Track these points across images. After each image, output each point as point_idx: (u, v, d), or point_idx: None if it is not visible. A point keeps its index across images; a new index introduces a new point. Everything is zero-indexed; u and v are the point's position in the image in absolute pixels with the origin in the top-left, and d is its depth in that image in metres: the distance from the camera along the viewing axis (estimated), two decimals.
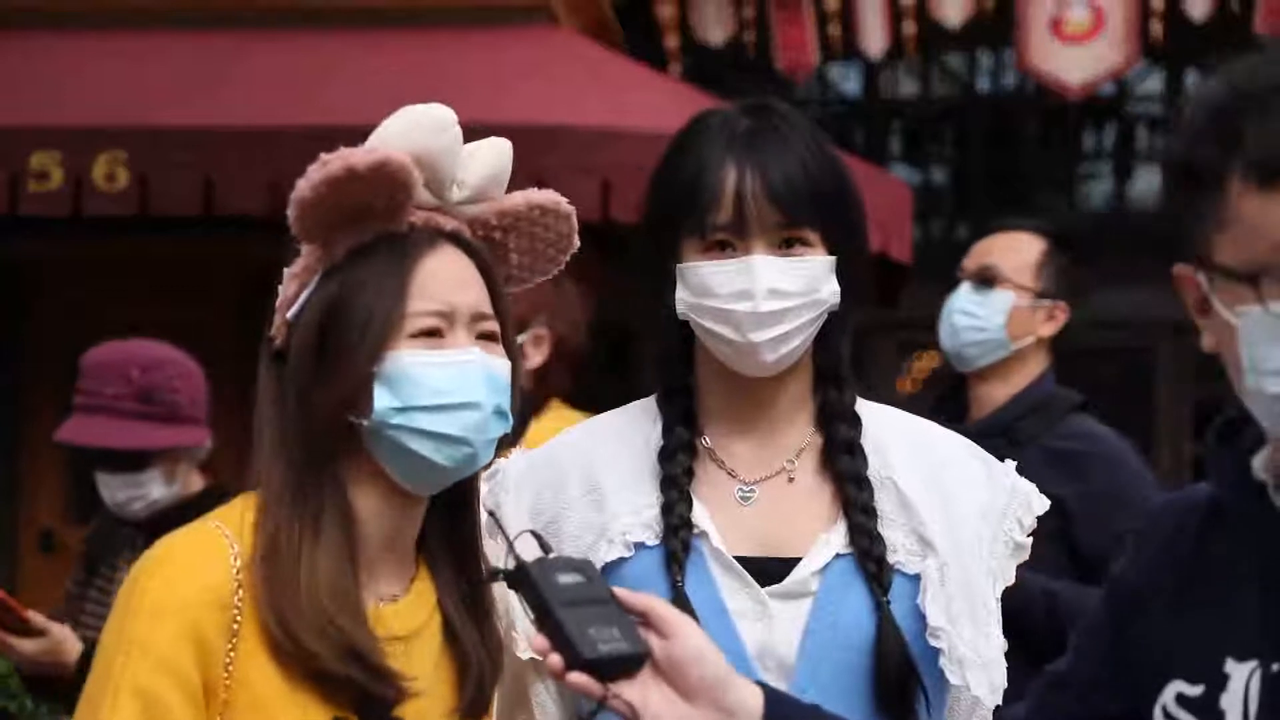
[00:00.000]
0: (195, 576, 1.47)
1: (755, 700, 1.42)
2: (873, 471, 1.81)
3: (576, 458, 1.85)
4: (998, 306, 3.25)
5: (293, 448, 1.53)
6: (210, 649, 1.45)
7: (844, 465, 1.80)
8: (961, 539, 1.79)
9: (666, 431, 1.83)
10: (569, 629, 1.34)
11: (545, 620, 1.36)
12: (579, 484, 1.82)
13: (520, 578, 1.38)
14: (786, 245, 1.75)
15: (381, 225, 1.54)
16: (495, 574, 1.40)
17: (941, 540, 1.78)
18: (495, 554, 1.77)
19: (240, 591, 1.47)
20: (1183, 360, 9.57)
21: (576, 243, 1.69)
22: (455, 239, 1.58)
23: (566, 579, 1.38)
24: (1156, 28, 7.63)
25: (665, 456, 1.81)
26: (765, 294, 1.73)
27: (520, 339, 3.05)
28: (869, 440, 1.83)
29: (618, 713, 1.39)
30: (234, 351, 8.30)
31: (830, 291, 1.77)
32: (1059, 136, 9.82)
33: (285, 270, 1.57)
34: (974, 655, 1.75)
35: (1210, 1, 7.61)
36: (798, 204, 1.74)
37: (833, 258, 1.77)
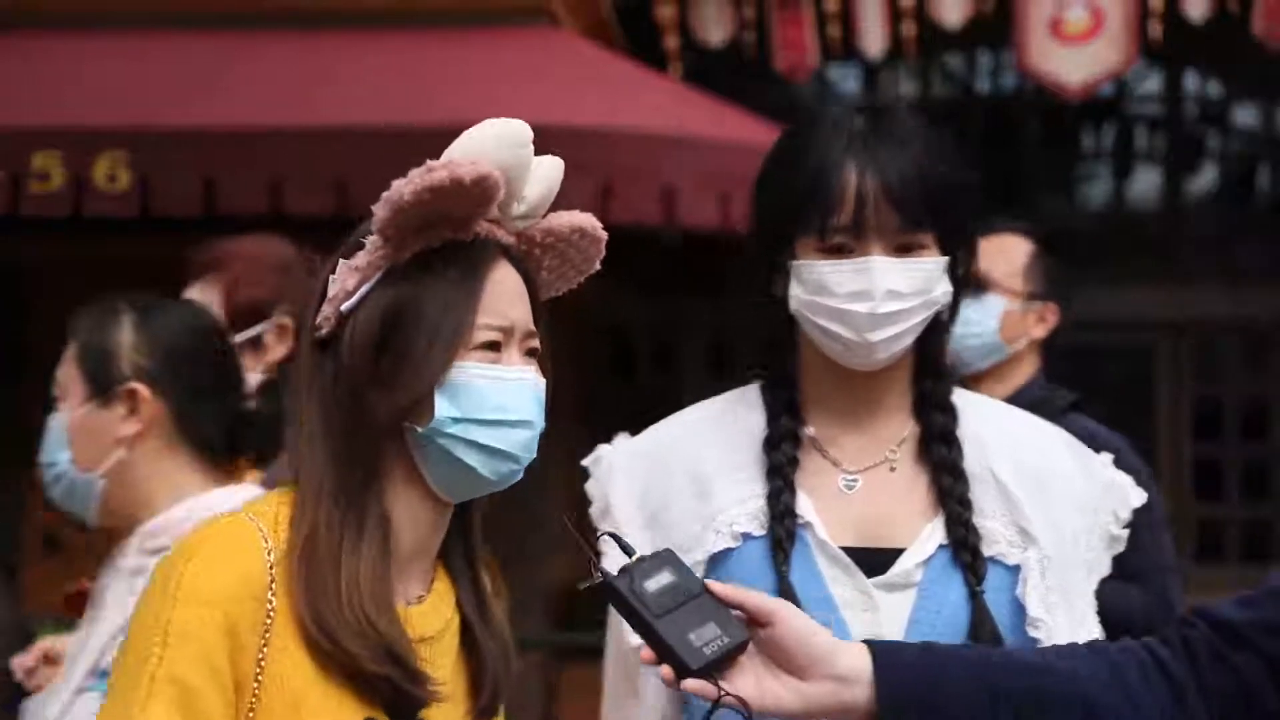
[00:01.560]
0: (230, 567, 1.46)
1: (865, 660, 1.47)
2: (972, 463, 1.83)
3: (679, 447, 1.87)
4: (990, 311, 3.31)
5: (338, 445, 1.52)
6: (242, 642, 1.44)
7: (939, 455, 1.83)
8: (1060, 532, 1.81)
9: (771, 421, 1.85)
10: (671, 641, 1.39)
11: (645, 634, 1.41)
12: (683, 474, 1.85)
13: (611, 594, 1.43)
14: (903, 249, 1.78)
15: (451, 233, 1.56)
16: (588, 589, 1.44)
17: (1041, 532, 1.80)
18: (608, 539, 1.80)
19: (274, 585, 1.47)
20: (1182, 360, 9.57)
21: (598, 266, 1.71)
22: (508, 254, 1.60)
23: (655, 582, 1.42)
24: (1155, 28, 7.63)
25: (770, 445, 1.83)
26: (883, 295, 1.75)
27: (259, 331, 2.83)
28: (968, 432, 1.85)
29: (732, 708, 1.43)
30: None
31: (943, 291, 1.80)
32: (1058, 137, 9.83)
33: (341, 261, 1.57)
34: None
35: (1209, 2, 7.61)
36: (915, 208, 1.76)
37: (946, 258, 1.80)
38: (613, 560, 1.82)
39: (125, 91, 6.68)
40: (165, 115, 6.44)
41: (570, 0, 7.50)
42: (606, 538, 1.55)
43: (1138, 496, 1.88)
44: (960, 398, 1.88)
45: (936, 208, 1.78)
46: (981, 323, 3.30)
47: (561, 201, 1.70)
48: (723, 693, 1.42)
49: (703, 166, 6.10)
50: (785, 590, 1.74)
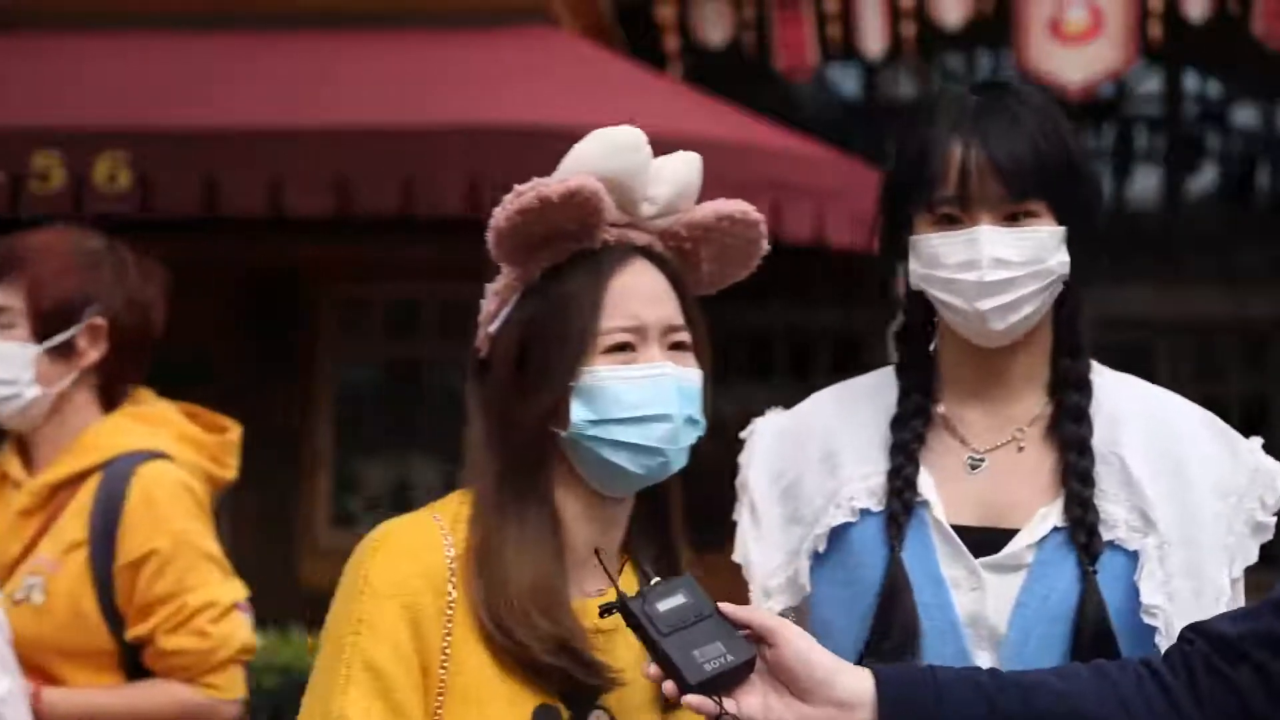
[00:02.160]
0: (412, 560, 1.55)
1: (867, 684, 1.48)
2: (1099, 444, 1.82)
3: (815, 423, 1.91)
4: None
5: (498, 455, 1.61)
6: (425, 631, 1.53)
7: (1068, 432, 1.82)
8: (1193, 517, 1.79)
9: (902, 399, 1.87)
10: (674, 657, 1.45)
11: (652, 650, 1.46)
12: (818, 449, 1.88)
13: (625, 615, 1.49)
14: (1012, 219, 1.79)
15: (576, 245, 1.61)
16: (607, 610, 1.51)
17: (1165, 519, 1.78)
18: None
19: (454, 579, 1.55)
20: (1181, 358, 9.58)
21: (765, 247, 1.73)
22: (646, 253, 1.64)
23: (668, 604, 1.49)
24: (1155, 28, 7.64)
25: (898, 422, 1.85)
26: (990, 263, 1.76)
27: (69, 335, 2.51)
28: (1101, 412, 1.85)
29: None
30: (236, 353, 8.32)
31: (1059, 261, 1.80)
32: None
33: (486, 286, 1.65)
34: None
35: (1209, 2, 7.62)
36: (1022, 178, 1.78)
37: (1062, 228, 1.80)
38: (744, 533, 1.89)
39: (125, 91, 6.68)
40: (165, 115, 6.44)
41: (570, 0, 7.51)
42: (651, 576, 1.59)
43: None
44: (1100, 375, 1.89)
45: (1046, 178, 1.79)
46: None
47: None
48: (722, 710, 1.45)
49: (702, 166, 6.11)
50: (895, 567, 1.77)
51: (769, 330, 9.21)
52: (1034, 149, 1.79)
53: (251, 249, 7.11)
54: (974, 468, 1.84)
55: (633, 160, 1.61)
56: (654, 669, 1.47)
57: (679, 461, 1.61)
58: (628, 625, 1.50)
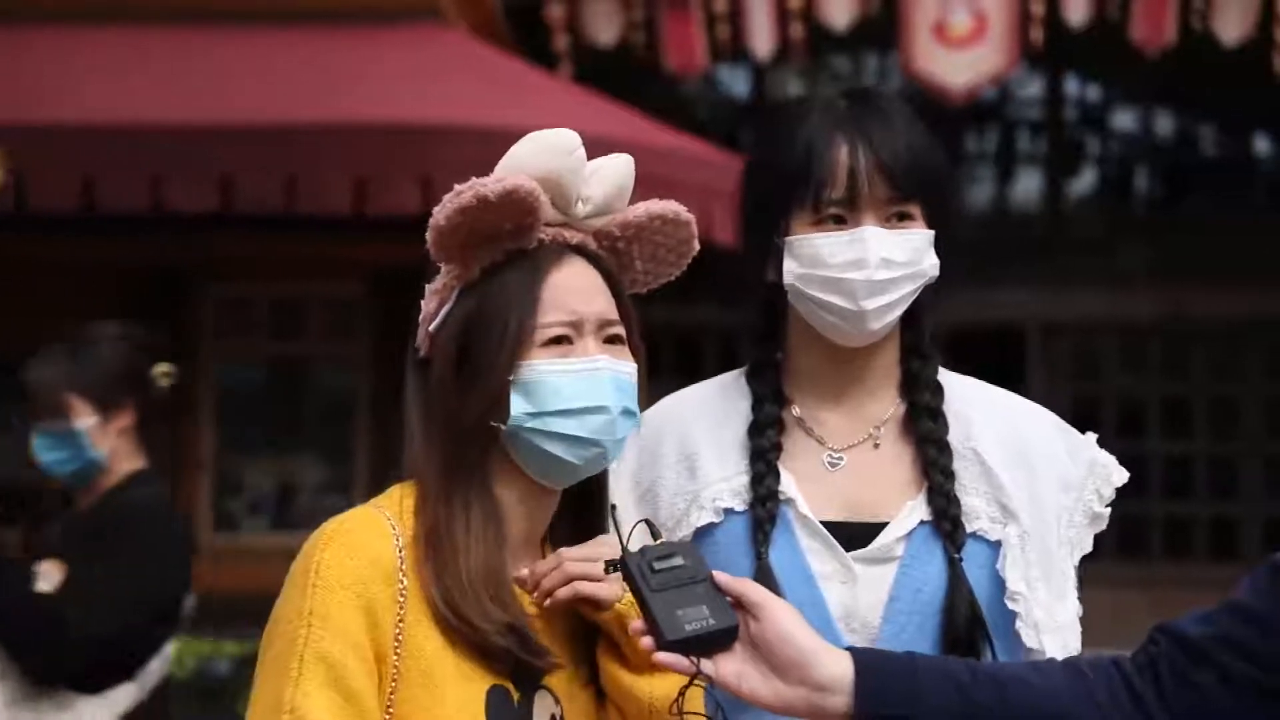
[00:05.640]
0: (363, 552, 1.59)
1: (846, 669, 1.49)
2: (955, 440, 1.87)
3: (670, 426, 1.93)
4: None
5: (440, 449, 1.66)
6: (379, 619, 1.57)
7: (925, 429, 1.87)
8: (1042, 508, 1.85)
9: (756, 406, 1.89)
10: (657, 613, 1.50)
11: (640, 604, 1.51)
12: (674, 451, 1.90)
13: (621, 568, 1.53)
14: (897, 219, 1.83)
15: (512, 244, 1.66)
16: (609, 566, 1.57)
17: (1023, 509, 1.84)
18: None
19: (404, 567, 1.60)
20: (1056, 357, 9.74)
21: (696, 246, 1.78)
22: (581, 251, 1.69)
23: (664, 564, 1.53)
24: (1036, 32, 7.76)
25: (755, 431, 1.88)
26: (878, 263, 1.80)
27: None
28: (952, 410, 1.89)
29: (701, 685, 1.53)
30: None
31: (930, 264, 1.84)
32: (941, 140, 9.94)
33: (426, 286, 1.70)
34: (1049, 619, 1.81)
35: (1089, 7, 7.75)
36: (906, 179, 1.82)
37: (932, 232, 1.84)
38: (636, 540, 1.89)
39: (5, 86, 6.56)
40: (42, 111, 6.33)
41: None
42: (642, 524, 1.63)
43: (1120, 475, 1.92)
44: (946, 378, 1.92)
45: (924, 180, 1.83)
46: None
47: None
48: (698, 670, 1.49)
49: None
50: (762, 571, 1.79)
51: (653, 329, 9.22)
52: (912, 151, 1.83)
53: (131, 248, 7.00)
54: (833, 465, 1.87)
55: (567, 162, 1.65)
56: (638, 624, 1.51)
57: (615, 453, 1.66)
58: (623, 579, 1.54)
